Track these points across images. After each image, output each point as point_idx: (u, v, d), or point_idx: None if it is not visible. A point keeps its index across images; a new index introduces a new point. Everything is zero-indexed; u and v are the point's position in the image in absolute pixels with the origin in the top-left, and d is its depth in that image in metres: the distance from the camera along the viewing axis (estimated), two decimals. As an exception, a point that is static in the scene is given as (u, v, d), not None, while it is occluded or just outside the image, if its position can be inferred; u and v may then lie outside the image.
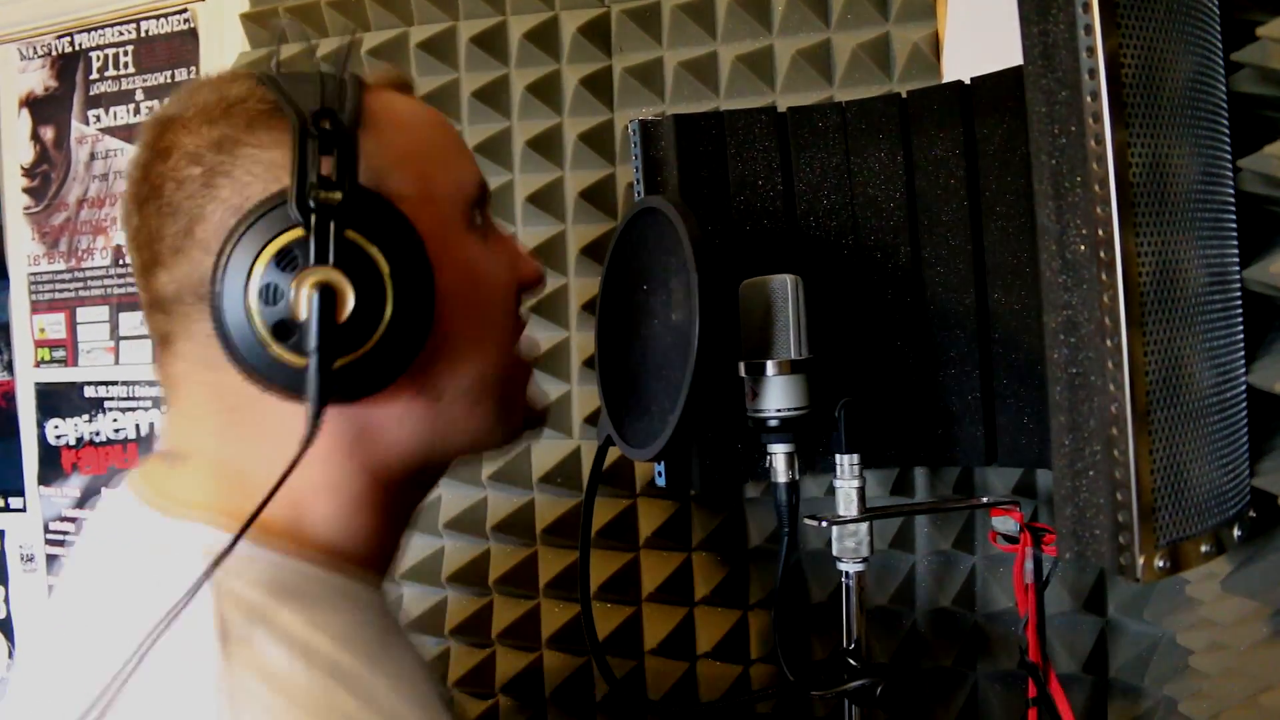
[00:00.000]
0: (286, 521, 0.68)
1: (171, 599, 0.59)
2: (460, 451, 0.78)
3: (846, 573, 1.04)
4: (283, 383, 0.64)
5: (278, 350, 0.63)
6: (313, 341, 0.61)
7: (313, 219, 0.62)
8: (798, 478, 1.03)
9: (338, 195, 0.62)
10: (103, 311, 1.84)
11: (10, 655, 1.97)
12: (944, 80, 1.20)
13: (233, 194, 0.65)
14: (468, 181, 0.77)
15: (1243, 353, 0.82)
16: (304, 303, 0.61)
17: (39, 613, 1.90)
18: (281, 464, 0.62)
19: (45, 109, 1.87)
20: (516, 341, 0.81)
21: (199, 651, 0.58)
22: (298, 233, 0.62)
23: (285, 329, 0.62)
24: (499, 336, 0.78)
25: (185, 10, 1.74)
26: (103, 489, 1.83)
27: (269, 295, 0.62)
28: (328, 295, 0.61)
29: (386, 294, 0.64)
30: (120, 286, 1.81)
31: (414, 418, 0.72)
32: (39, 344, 1.90)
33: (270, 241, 0.62)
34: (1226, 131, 0.80)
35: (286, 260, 0.62)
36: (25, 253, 1.89)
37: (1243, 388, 0.82)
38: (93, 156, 1.83)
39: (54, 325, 1.89)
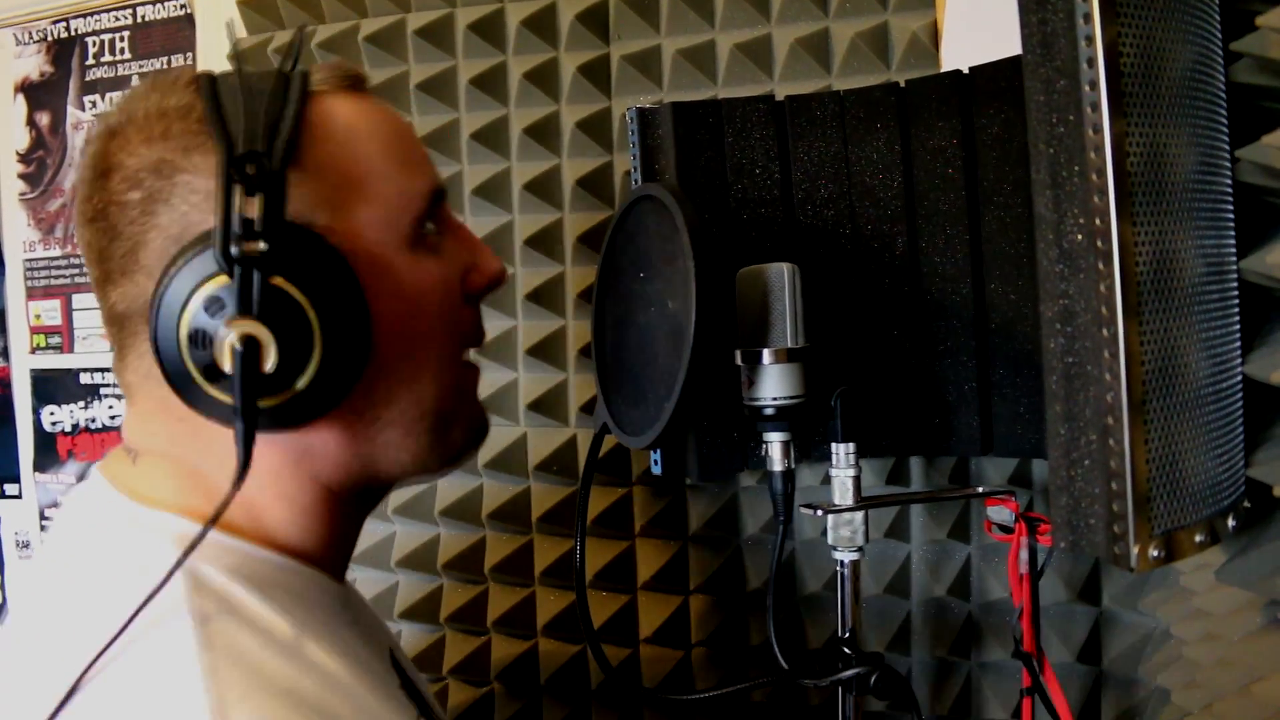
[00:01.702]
0: (247, 519, 0.71)
1: (146, 578, 0.61)
2: (397, 476, 0.78)
3: (841, 562, 1.04)
4: (216, 414, 0.65)
5: (208, 389, 0.63)
6: (236, 393, 0.62)
7: (236, 268, 0.61)
8: (793, 466, 1.03)
9: (260, 246, 0.61)
10: (98, 298, 1.83)
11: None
12: (942, 69, 1.20)
13: (171, 222, 0.65)
14: (416, 194, 0.75)
15: (1239, 343, 0.82)
16: (227, 353, 0.61)
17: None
18: (231, 469, 0.64)
19: (41, 94, 1.86)
20: (462, 351, 0.80)
21: (177, 637, 0.60)
22: (223, 279, 0.62)
23: (213, 371, 0.62)
24: (438, 358, 0.76)
25: (182, -4, 1.73)
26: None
27: (198, 340, 0.62)
28: (251, 346, 0.61)
29: (314, 340, 0.64)
30: (116, 273, 1.81)
31: (351, 441, 0.73)
32: (35, 330, 1.90)
33: (198, 286, 0.62)
34: (1225, 121, 0.80)
35: (214, 306, 0.62)
36: (21, 239, 1.89)
37: (1239, 378, 0.82)
38: (88, 142, 1.82)
39: (49, 312, 1.88)
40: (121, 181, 0.66)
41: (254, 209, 0.61)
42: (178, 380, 0.64)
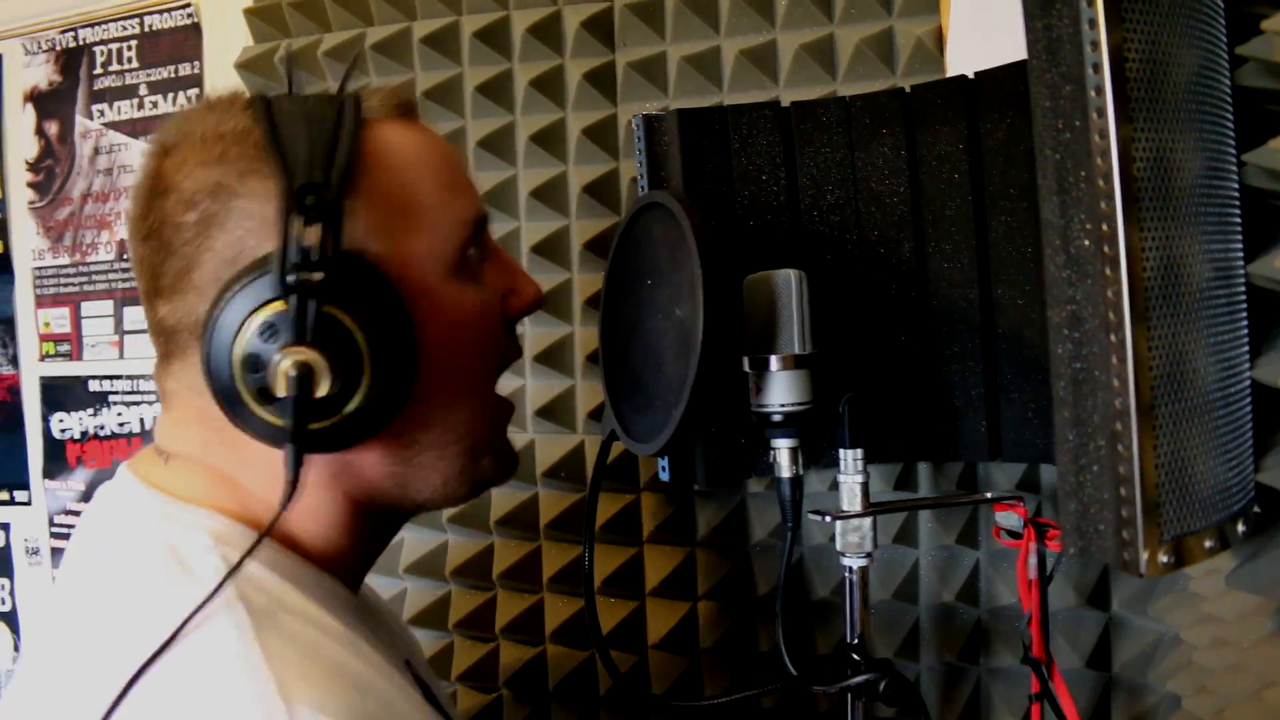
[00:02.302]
0: (278, 529, 0.72)
1: (184, 571, 0.65)
2: (424, 501, 0.80)
3: (850, 568, 1.04)
4: (263, 434, 0.66)
5: (258, 410, 0.65)
6: (289, 418, 0.63)
7: (293, 296, 0.63)
8: (801, 473, 1.03)
9: (318, 275, 0.63)
10: (107, 306, 1.84)
11: (16, 648, 1.97)
12: (947, 75, 1.20)
13: (226, 246, 0.67)
14: (465, 220, 0.77)
15: (1247, 348, 0.82)
16: (281, 379, 0.63)
17: (47, 593, 1.91)
18: (265, 479, 0.67)
19: (49, 103, 1.87)
20: (497, 377, 0.83)
21: (233, 625, 0.62)
22: (280, 306, 0.63)
23: (264, 394, 0.64)
24: (478, 386, 0.79)
25: (189, 5, 1.73)
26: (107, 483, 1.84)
27: (251, 364, 0.64)
28: (305, 373, 0.63)
29: (365, 368, 0.66)
30: (124, 281, 1.82)
31: (389, 461, 0.75)
32: (44, 338, 1.90)
33: (255, 311, 0.64)
34: (1231, 126, 0.80)
35: (269, 332, 0.64)
36: (30, 247, 1.90)
37: (1247, 383, 0.81)
38: (97, 151, 1.83)
39: (59, 319, 1.89)
40: (178, 203, 0.68)
41: (311, 237, 0.63)
42: (227, 399, 0.66)
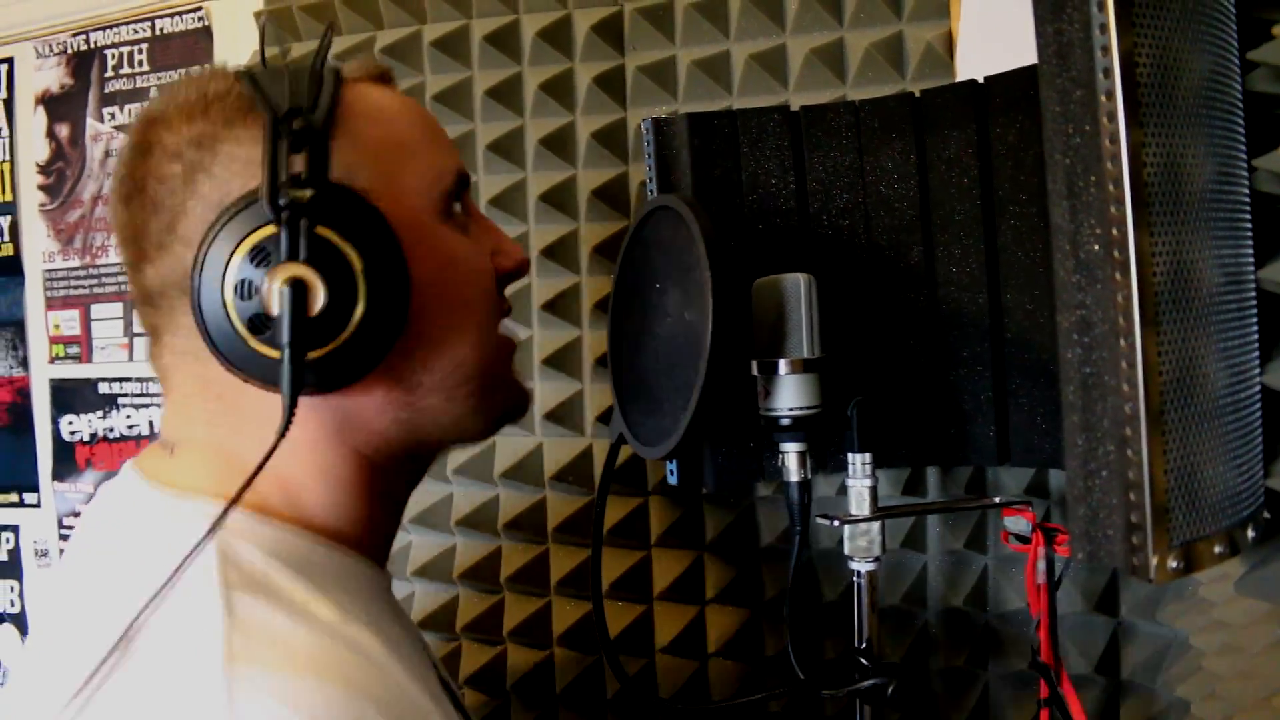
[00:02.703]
0: (284, 502, 0.72)
1: (176, 560, 0.62)
2: (442, 441, 0.80)
3: (858, 572, 1.04)
4: (260, 374, 0.65)
5: (254, 343, 0.64)
6: (285, 335, 0.63)
7: (284, 216, 0.63)
8: (810, 477, 1.03)
9: (308, 193, 0.63)
10: (117, 308, 1.84)
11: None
12: (957, 79, 1.20)
13: (212, 190, 0.67)
14: (445, 171, 0.77)
15: (1257, 353, 0.81)
16: (276, 297, 0.63)
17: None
18: (268, 444, 0.65)
19: (60, 106, 1.88)
20: (497, 324, 0.82)
21: (203, 612, 0.61)
22: (271, 229, 0.63)
23: (260, 323, 0.64)
24: (477, 325, 0.78)
25: (199, 9, 1.74)
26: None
27: (244, 290, 0.63)
28: (299, 290, 0.63)
29: (359, 288, 0.65)
30: (134, 283, 1.82)
31: (393, 407, 0.74)
32: (54, 340, 1.91)
33: (245, 238, 0.64)
34: (1242, 131, 0.80)
35: (260, 256, 0.63)
36: (40, 249, 1.90)
37: (1257, 388, 0.81)
38: (107, 154, 1.83)
39: (68, 322, 1.89)
40: (163, 155, 0.68)
41: (299, 165, 0.64)
42: (220, 338, 0.65)
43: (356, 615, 0.67)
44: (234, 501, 0.64)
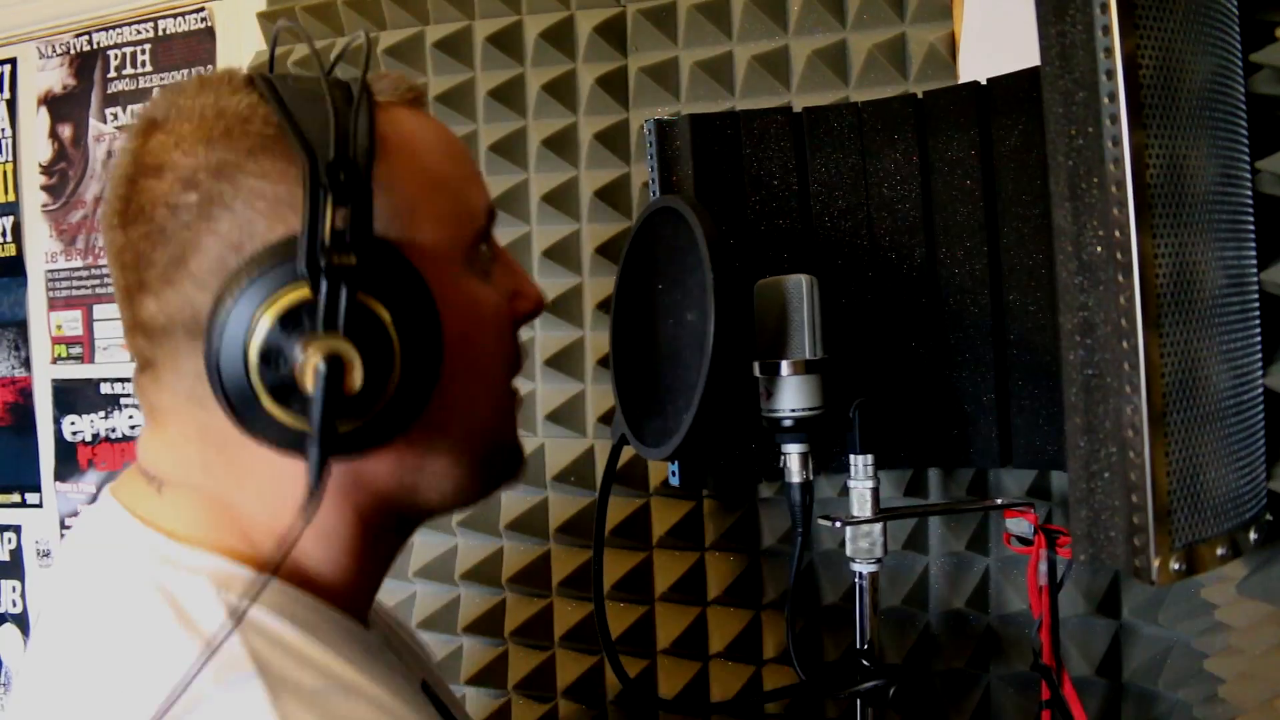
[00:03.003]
0: (286, 563, 0.66)
1: (191, 623, 0.58)
2: (435, 507, 0.74)
3: (860, 573, 1.04)
4: (276, 439, 0.60)
5: (277, 413, 0.59)
6: (317, 415, 0.57)
7: (324, 282, 0.57)
8: (812, 478, 1.03)
9: (352, 258, 0.58)
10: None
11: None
12: (960, 81, 1.20)
13: (232, 229, 0.60)
14: (479, 212, 0.73)
15: (1260, 355, 0.81)
16: (310, 374, 0.57)
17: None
18: (271, 503, 0.62)
19: (63, 107, 1.88)
20: (511, 380, 0.77)
21: (244, 687, 0.56)
22: (305, 293, 0.57)
23: (285, 392, 0.58)
24: (494, 383, 0.74)
25: (202, 9, 1.74)
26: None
27: (271, 358, 0.57)
28: (335, 366, 0.57)
29: (395, 361, 0.60)
30: (137, 284, 1.82)
31: (404, 470, 0.69)
32: (56, 341, 1.91)
33: (275, 298, 0.57)
34: (1245, 133, 0.80)
35: (292, 322, 0.57)
36: (43, 250, 1.90)
37: (1260, 390, 0.81)
38: (110, 154, 1.84)
39: (71, 322, 1.90)
40: (175, 182, 0.61)
41: (340, 220, 0.58)
42: (238, 403, 0.59)
43: (362, 669, 0.64)
44: (266, 584, 0.59)
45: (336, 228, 0.57)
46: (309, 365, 0.56)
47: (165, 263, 0.61)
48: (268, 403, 0.58)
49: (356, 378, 0.58)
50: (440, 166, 0.70)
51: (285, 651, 0.59)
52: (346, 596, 0.71)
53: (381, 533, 0.73)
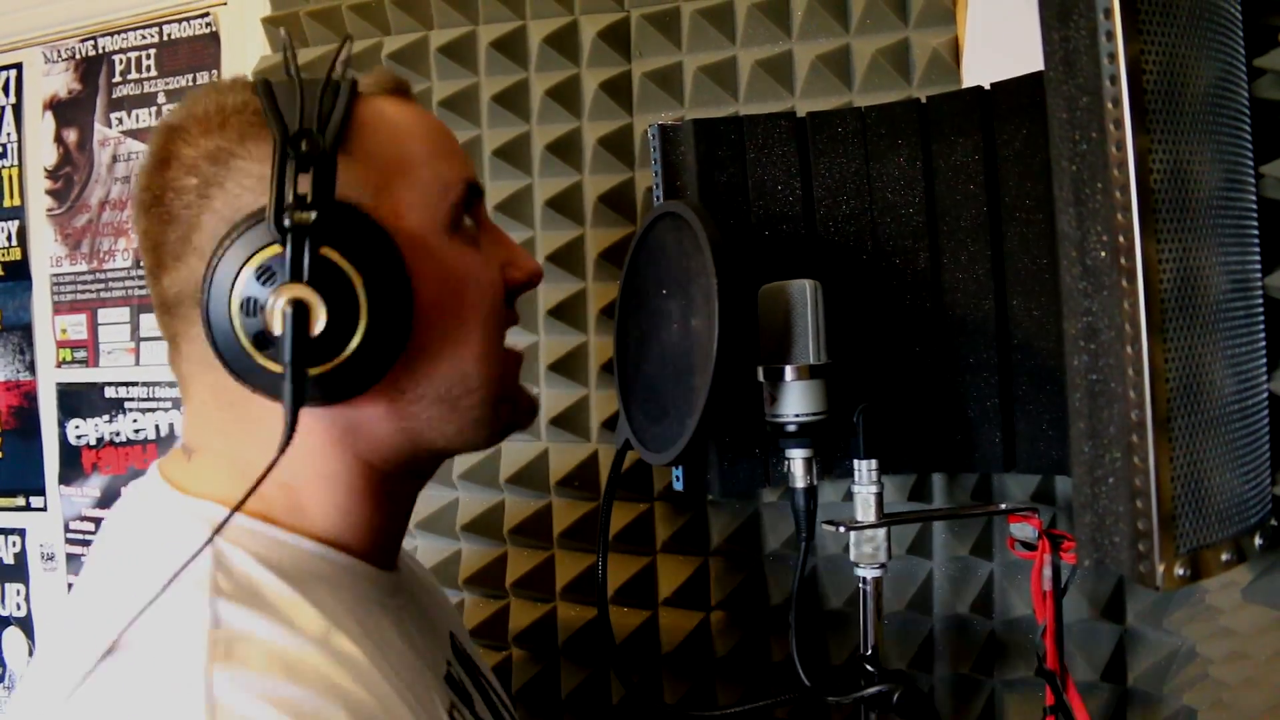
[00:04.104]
0: (287, 508, 0.74)
1: (173, 558, 0.64)
2: (446, 449, 0.81)
3: (864, 578, 1.04)
4: (265, 386, 0.68)
5: (258, 358, 0.66)
6: (286, 354, 0.64)
7: (288, 236, 0.65)
8: (816, 483, 1.03)
9: (311, 215, 0.64)
10: (124, 313, 1.85)
11: (31, 653, 1.98)
12: (964, 86, 1.20)
13: (224, 205, 0.69)
14: (453, 183, 0.78)
15: (1264, 360, 0.81)
16: (278, 317, 0.64)
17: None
18: (275, 452, 0.66)
19: (68, 111, 1.88)
20: (503, 336, 0.83)
21: (189, 616, 0.63)
22: (275, 249, 0.65)
23: (264, 339, 0.66)
24: (482, 340, 0.79)
25: (207, 14, 1.75)
26: (122, 489, 1.84)
27: (249, 307, 0.65)
28: (300, 310, 0.65)
29: (360, 308, 0.67)
30: (141, 288, 1.83)
31: (395, 417, 0.75)
32: (61, 344, 1.91)
33: (251, 256, 0.65)
34: (1248, 138, 0.80)
35: (265, 275, 0.65)
36: (48, 254, 1.91)
37: (1264, 395, 0.81)
38: (115, 159, 1.84)
39: (75, 326, 1.90)
40: (180, 168, 0.70)
41: (305, 185, 0.65)
42: (227, 351, 0.67)
43: (344, 622, 0.69)
44: (236, 509, 0.65)
45: (299, 191, 0.65)
46: (277, 310, 0.64)
47: (174, 241, 0.71)
48: (250, 349, 0.66)
49: (320, 321, 0.65)
50: (414, 143, 0.77)
51: (248, 595, 0.66)
52: (359, 543, 0.78)
53: (395, 476, 0.79)
